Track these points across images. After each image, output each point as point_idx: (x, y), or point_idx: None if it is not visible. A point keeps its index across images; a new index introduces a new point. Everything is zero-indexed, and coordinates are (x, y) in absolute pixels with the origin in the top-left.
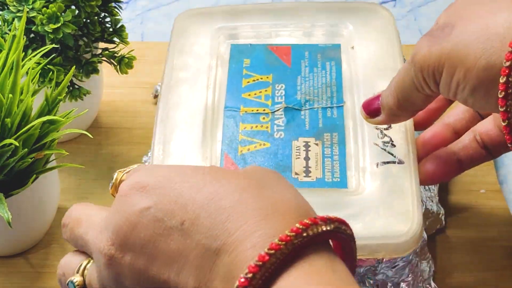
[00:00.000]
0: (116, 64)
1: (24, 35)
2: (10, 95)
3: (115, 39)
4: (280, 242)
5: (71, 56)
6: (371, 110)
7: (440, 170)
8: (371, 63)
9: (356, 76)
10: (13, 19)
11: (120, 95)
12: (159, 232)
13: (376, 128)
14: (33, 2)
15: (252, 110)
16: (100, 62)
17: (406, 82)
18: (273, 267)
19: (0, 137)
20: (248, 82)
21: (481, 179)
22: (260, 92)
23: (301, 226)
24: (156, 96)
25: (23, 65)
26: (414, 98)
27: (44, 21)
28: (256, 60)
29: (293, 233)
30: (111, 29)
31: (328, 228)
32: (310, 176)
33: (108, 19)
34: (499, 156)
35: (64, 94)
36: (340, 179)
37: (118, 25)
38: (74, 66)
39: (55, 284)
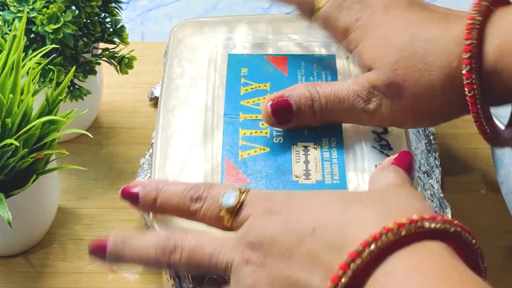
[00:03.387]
0: (116, 64)
1: (24, 35)
2: (11, 95)
3: (115, 39)
4: (392, 225)
5: (69, 54)
6: None
7: None
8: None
9: None
10: (14, 20)
11: (120, 95)
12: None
13: (374, 132)
14: (33, 3)
15: (251, 117)
16: (98, 63)
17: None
18: (383, 247)
19: (0, 137)
20: (246, 90)
21: (481, 179)
22: (259, 99)
23: (416, 218)
24: (152, 99)
25: (23, 65)
26: None
27: (44, 22)
28: (254, 69)
29: (408, 221)
30: (111, 29)
31: (433, 226)
32: (310, 179)
33: (108, 19)
34: None
35: (65, 94)
36: (339, 181)
37: (118, 26)
38: (75, 67)
39: (55, 284)
